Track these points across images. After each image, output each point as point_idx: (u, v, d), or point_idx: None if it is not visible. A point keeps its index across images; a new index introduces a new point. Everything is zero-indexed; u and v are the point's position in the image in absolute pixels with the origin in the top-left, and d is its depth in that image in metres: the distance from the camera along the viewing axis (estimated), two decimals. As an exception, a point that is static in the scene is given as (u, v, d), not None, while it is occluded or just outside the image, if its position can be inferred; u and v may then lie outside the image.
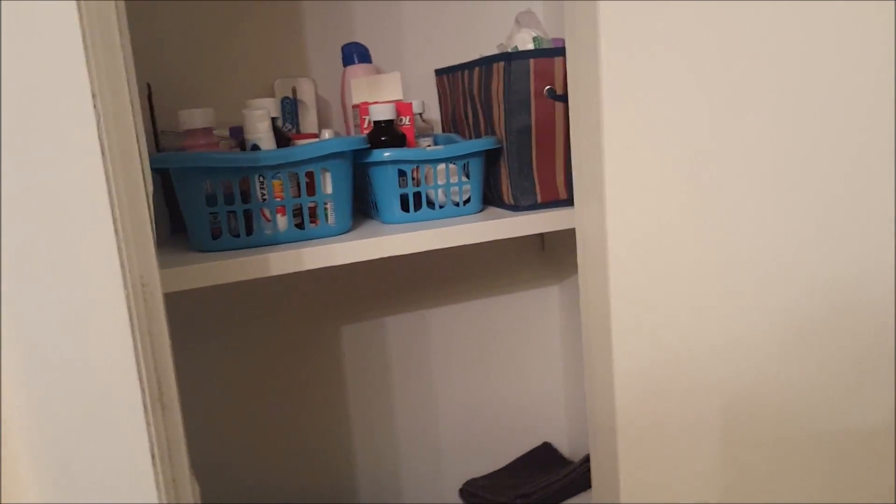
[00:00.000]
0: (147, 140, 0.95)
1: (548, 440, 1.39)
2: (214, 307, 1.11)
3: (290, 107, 1.04)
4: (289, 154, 0.82)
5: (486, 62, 0.97)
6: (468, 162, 0.95)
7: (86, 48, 0.44)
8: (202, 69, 1.06)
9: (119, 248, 0.47)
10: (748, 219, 0.83)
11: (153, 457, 0.49)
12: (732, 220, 0.83)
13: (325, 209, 0.87)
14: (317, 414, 1.20)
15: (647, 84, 0.77)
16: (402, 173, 0.92)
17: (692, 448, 0.86)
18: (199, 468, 1.10)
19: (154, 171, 0.86)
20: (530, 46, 1.00)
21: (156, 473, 0.48)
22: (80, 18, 0.43)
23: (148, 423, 0.48)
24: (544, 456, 1.37)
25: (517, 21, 1.05)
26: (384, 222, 0.95)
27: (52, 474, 0.45)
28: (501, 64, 0.94)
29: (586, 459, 1.21)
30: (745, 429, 0.89)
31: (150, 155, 0.83)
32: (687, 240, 0.81)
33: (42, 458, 0.45)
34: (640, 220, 0.79)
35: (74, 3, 0.43)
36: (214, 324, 1.11)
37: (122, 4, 0.53)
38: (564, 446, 1.41)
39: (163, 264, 0.77)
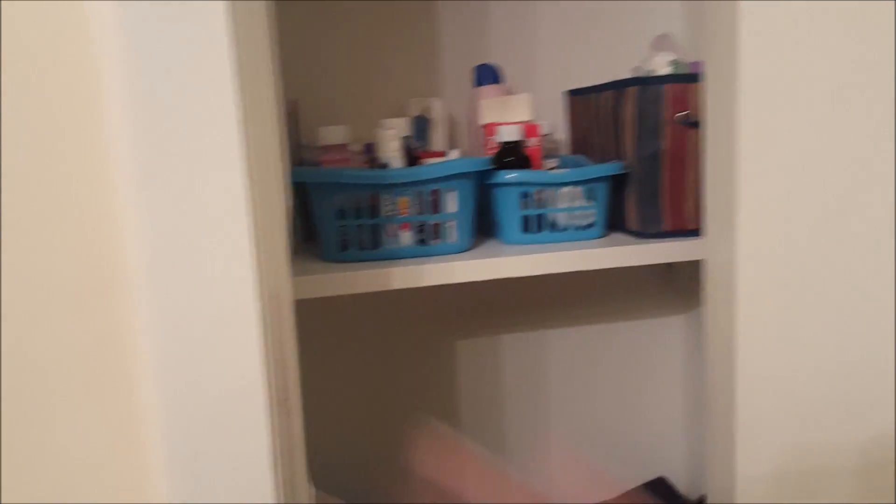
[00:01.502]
0: (290, 153, 1.02)
1: (663, 475, 1.34)
2: (341, 316, 1.16)
3: (422, 125, 1.08)
4: (415, 173, 0.85)
5: (619, 86, 0.96)
6: (593, 186, 0.94)
7: (237, 75, 0.48)
8: (344, 87, 1.11)
9: (256, 261, 0.50)
10: (886, 254, 0.77)
11: (274, 459, 0.52)
12: (869, 255, 0.77)
13: (448, 227, 0.89)
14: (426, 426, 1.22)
15: (786, 113, 0.73)
16: (525, 195, 0.93)
17: (823, 494, 0.81)
18: (315, 473, 1.15)
19: (294, 183, 0.91)
20: (667, 71, 0.97)
21: (275, 475, 0.51)
22: (231, 44, 0.47)
23: (272, 427, 0.51)
24: (659, 490, 1.32)
25: (653, 45, 1.03)
26: (505, 242, 0.95)
27: (180, 469, 0.49)
28: (635, 88, 0.92)
29: (702, 500, 1.16)
30: (882, 481, 0.82)
31: (294, 169, 0.89)
32: (820, 276, 0.77)
33: (172, 454, 0.49)
34: (771, 253, 0.75)
35: (226, 33, 0.47)
36: (339, 332, 1.16)
37: (269, 27, 0.57)
38: (681, 482, 1.35)
39: (294, 272, 0.82)
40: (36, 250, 0.46)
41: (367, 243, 0.87)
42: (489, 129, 1.01)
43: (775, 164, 0.73)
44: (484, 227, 1.04)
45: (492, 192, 0.95)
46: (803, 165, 0.74)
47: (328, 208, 0.85)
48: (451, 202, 0.88)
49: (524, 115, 1.03)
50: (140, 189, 0.47)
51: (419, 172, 0.85)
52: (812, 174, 0.74)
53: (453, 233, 0.89)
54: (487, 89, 1.08)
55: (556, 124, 1.19)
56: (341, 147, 0.92)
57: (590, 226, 0.96)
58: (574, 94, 1.12)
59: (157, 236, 0.48)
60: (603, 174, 0.94)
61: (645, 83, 0.90)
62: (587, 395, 1.28)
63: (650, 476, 1.34)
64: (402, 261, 0.87)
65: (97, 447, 0.49)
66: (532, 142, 0.99)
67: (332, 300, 1.15)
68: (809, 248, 0.76)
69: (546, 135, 1.09)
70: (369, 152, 1.00)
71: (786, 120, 0.73)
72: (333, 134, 0.90)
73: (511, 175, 0.91)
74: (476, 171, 0.89)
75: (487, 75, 1.09)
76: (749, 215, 0.73)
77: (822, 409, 0.79)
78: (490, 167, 0.90)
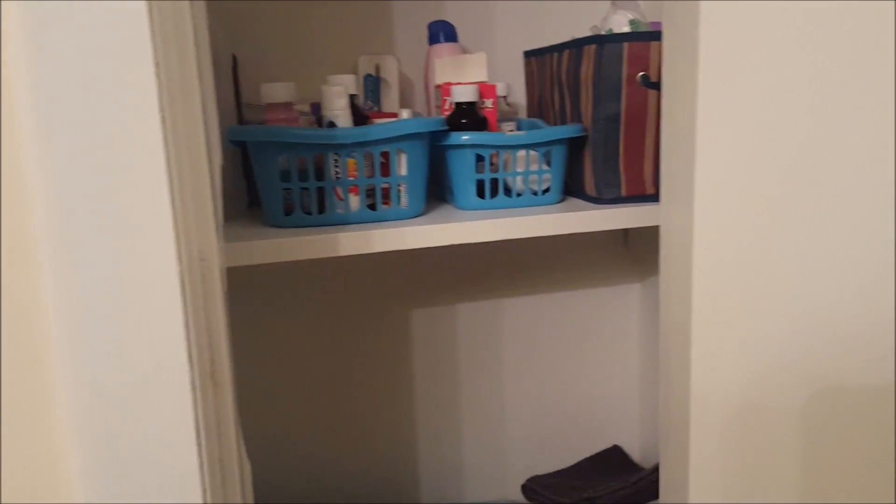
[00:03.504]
0: (230, 112, 0.96)
1: (618, 443, 1.34)
2: (287, 282, 1.11)
3: (373, 85, 1.03)
4: (364, 133, 0.80)
5: (576, 44, 0.92)
6: (550, 150, 0.91)
7: (151, 17, 0.43)
8: (288, 43, 1.05)
9: (175, 220, 0.45)
10: (849, 225, 0.76)
11: (198, 434, 0.48)
12: (830, 226, 0.75)
13: (399, 191, 0.85)
14: (380, 398, 1.19)
15: (749, 73, 0.70)
16: (479, 158, 0.89)
17: (772, 464, 0.80)
18: (257, 445, 1.11)
19: (234, 143, 0.86)
20: (626, 30, 0.94)
21: (200, 452, 0.48)
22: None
23: (195, 401, 0.47)
24: (614, 459, 1.32)
25: (613, 3, 0.99)
26: (459, 208, 0.92)
27: (96, 447, 0.45)
28: (593, 47, 0.88)
29: (657, 468, 1.16)
30: (830, 440, 0.81)
31: (230, 127, 0.84)
32: (779, 245, 0.75)
33: (86, 431, 0.45)
34: (729, 220, 0.72)
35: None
36: (285, 299, 1.12)
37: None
38: (636, 451, 1.35)
39: (231, 238, 0.77)
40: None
41: (313, 208, 0.82)
42: (445, 89, 0.97)
43: (735, 126, 0.71)
44: (437, 193, 1.01)
45: (445, 156, 0.91)
46: (765, 128, 0.72)
47: (270, 170, 0.80)
48: (402, 165, 0.84)
49: (480, 75, 0.99)
50: (46, 138, 0.42)
51: (367, 132, 0.81)
52: (774, 138, 0.72)
53: (404, 197, 0.85)
54: (442, 48, 1.04)
55: (515, 87, 1.15)
56: (286, 106, 0.87)
57: (546, 191, 0.93)
58: (531, 54, 1.08)
59: (66, 194, 0.43)
60: (560, 136, 0.90)
61: (603, 41, 0.87)
62: (542, 364, 1.27)
63: (606, 445, 1.33)
64: (351, 226, 0.83)
65: (5, 423, 0.44)
66: (487, 103, 0.95)
67: (281, 268, 1.10)
68: (770, 216, 0.74)
69: (503, 97, 1.05)
70: (317, 112, 0.95)
71: (747, 79, 0.70)
72: (277, 91, 0.85)
73: (465, 137, 0.88)
74: (428, 133, 0.85)
75: (442, 33, 1.04)
76: (707, 180, 0.71)
77: (778, 375, 0.78)
78: (443, 128, 0.86)
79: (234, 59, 0.97)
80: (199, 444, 0.48)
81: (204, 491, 0.49)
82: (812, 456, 0.81)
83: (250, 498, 0.61)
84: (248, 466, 0.60)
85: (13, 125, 0.42)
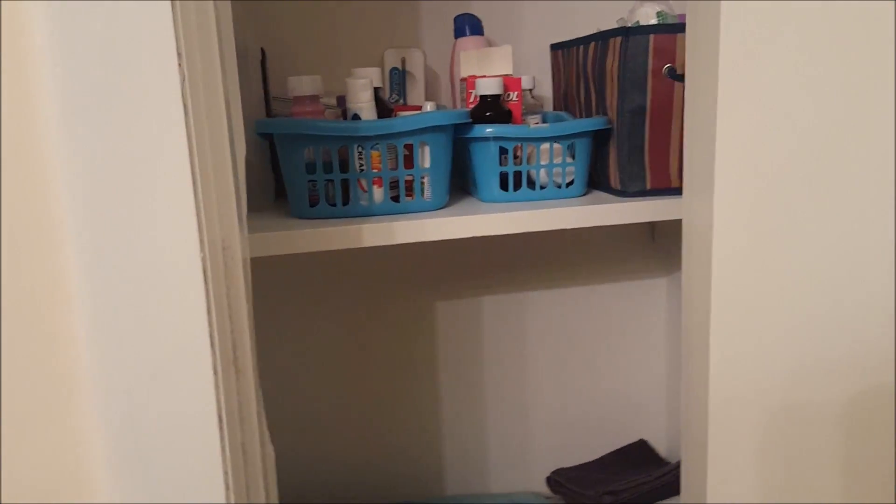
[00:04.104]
0: (259, 105, 0.98)
1: (644, 437, 1.33)
2: (313, 273, 1.13)
3: (398, 78, 1.03)
4: (387, 125, 0.81)
5: (602, 37, 0.92)
6: (575, 142, 0.91)
7: (174, 9, 0.44)
8: (317, 37, 1.06)
9: (197, 208, 0.47)
10: (874, 219, 0.74)
11: (220, 418, 0.49)
12: (854, 220, 0.74)
13: (422, 183, 0.86)
14: (404, 389, 1.20)
15: (770, 66, 0.69)
16: (503, 151, 0.89)
17: (793, 463, 0.79)
18: (281, 432, 1.13)
19: (262, 136, 0.88)
20: (653, 22, 0.93)
21: (222, 437, 0.49)
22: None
23: (217, 385, 0.49)
24: (639, 453, 1.31)
25: (640, -5, 0.98)
26: (482, 200, 0.92)
27: (118, 430, 0.47)
28: (619, 39, 0.88)
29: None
30: (857, 440, 0.80)
31: (258, 120, 0.85)
32: (799, 242, 0.74)
33: (109, 413, 0.46)
34: (750, 214, 0.72)
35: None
36: (311, 290, 1.13)
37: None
38: (662, 446, 1.34)
39: (257, 228, 0.79)
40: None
41: (337, 199, 0.83)
42: (470, 82, 0.97)
43: (756, 119, 0.70)
44: (462, 185, 1.01)
45: (469, 148, 0.91)
46: (786, 121, 0.71)
47: (295, 162, 0.82)
48: (425, 157, 0.85)
49: (505, 68, 0.99)
50: (70, 127, 0.43)
51: (391, 125, 0.81)
52: (795, 131, 0.71)
53: (427, 189, 0.86)
54: (467, 41, 1.04)
55: (541, 80, 1.15)
56: (312, 99, 0.88)
57: (570, 184, 0.93)
58: (558, 47, 1.07)
59: (90, 182, 0.44)
60: (584, 129, 0.90)
61: (628, 33, 0.86)
62: (568, 357, 1.27)
63: (632, 439, 1.33)
64: (375, 218, 0.83)
65: (27, 407, 0.46)
66: (512, 96, 0.96)
67: (307, 259, 1.12)
68: (790, 212, 0.73)
69: (528, 90, 1.05)
70: (342, 105, 0.96)
71: (768, 72, 0.69)
72: (303, 84, 0.86)
73: (488, 129, 0.88)
74: (452, 125, 0.85)
75: (468, 26, 1.04)
76: (727, 173, 0.70)
77: (799, 373, 0.77)
78: (466, 120, 0.86)
79: (263, 52, 0.99)
80: (220, 428, 0.49)
81: (226, 473, 0.50)
82: (835, 455, 0.80)
83: (273, 482, 0.62)
84: (271, 452, 0.61)
85: (38, 115, 0.43)
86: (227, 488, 0.50)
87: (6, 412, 0.45)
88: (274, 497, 0.62)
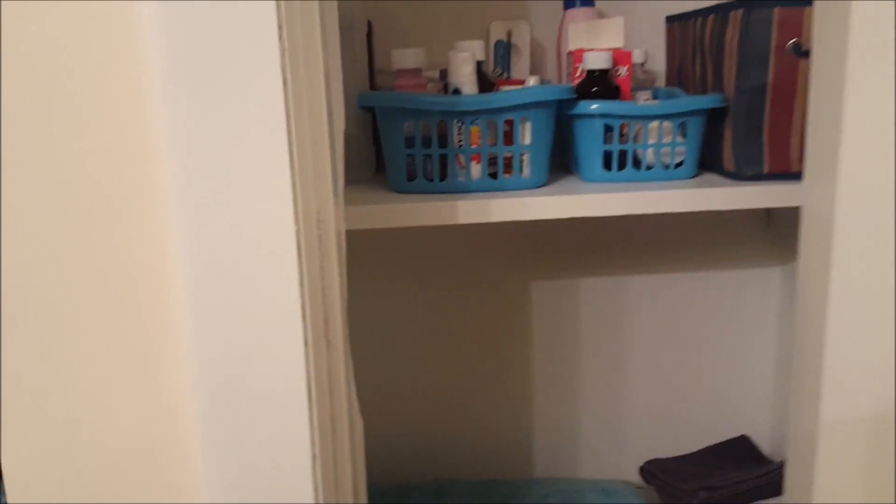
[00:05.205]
0: (363, 78, 0.98)
1: (747, 433, 1.27)
2: (409, 249, 1.13)
3: (503, 51, 1.01)
4: (487, 101, 0.79)
5: (722, 9, 0.86)
6: (686, 121, 0.86)
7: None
8: (422, 9, 1.05)
9: (293, 182, 0.47)
10: None
11: (309, 389, 0.50)
12: None
13: (522, 160, 0.83)
14: (497, 369, 1.20)
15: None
16: (608, 128, 0.86)
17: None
18: (372, 406, 1.14)
19: (365, 109, 0.88)
20: (779, -8, 0.86)
21: (310, 409, 0.50)
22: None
23: (307, 356, 0.49)
24: (740, 449, 1.25)
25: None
26: (584, 180, 0.89)
27: (212, 397, 0.48)
28: (740, 11, 0.82)
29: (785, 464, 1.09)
30: None
31: (361, 93, 0.85)
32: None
33: (203, 381, 0.48)
34: (875, 205, 0.65)
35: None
36: (406, 266, 1.14)
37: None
38: (765, 443, 1.27)
39: (354, 201, 0.79)
40: (67, 166, 0.45)
41: (435, 175, 0.83)
42: (577, 56, 0.93)
43: (886, 102, 0.63)
44: (564, 164, 0.98)
45: (572, 125, 0.88)
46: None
47: (395, 136, 0.81)
48: (526, 134, 0.83)
49: (615, 41, 0.94)
50: (172, 99, 0.45)
51: (492, 100, 0.80)
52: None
53: (527, 167, 0.84)
54: (577, 12, 1.00)
55: (655, 54, 1.09)
56: (415, 72, 0.87)
57: (679, 164, 0.88)
58: (674, 19, 1.02)
59: (189, 153, 0.45)
60: (696, 107, 0.85)
61: (751, 6, 0.80)
62: (669, 345, 1.22)
63: (733, 434, 1.27)
64: (472, 195, 0.82)
65: (127, 369, 0.48)
66: (622, 71, 0.91)
67: (404, 234, 1.12)
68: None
69: (640, 63, 1.00)
70: (445, 79, 0.95)
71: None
72: (406, 57, 0.85)
73: (594, 106, 0.84)
74: (555, 101, 0.82)
75: (577, -3, 1.00)
76: (854, 159, 0.64)
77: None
78: (570, 96, 0.83)
79: (370, 25, 0.99)
80: (309, 399, 0.50)
81: (313, 443, 0.51)
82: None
83: (361, 454, 0.63)
84: (360, 423, 0.62)
85: (142, 86, 0.44)
86: (314, 458, 0.51)
87: (111, 375, 0.48)
88: (361, 468, 0.63)
